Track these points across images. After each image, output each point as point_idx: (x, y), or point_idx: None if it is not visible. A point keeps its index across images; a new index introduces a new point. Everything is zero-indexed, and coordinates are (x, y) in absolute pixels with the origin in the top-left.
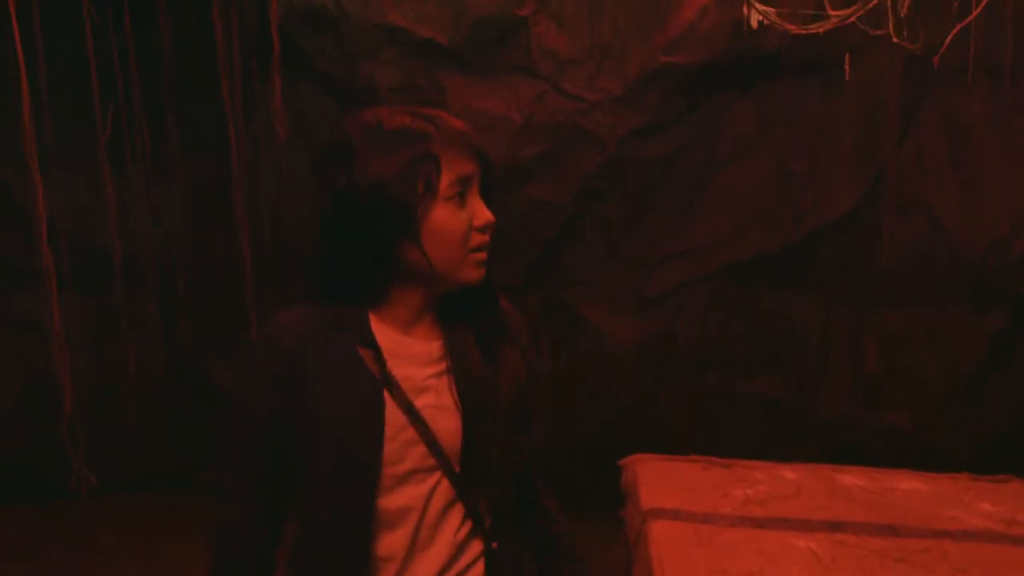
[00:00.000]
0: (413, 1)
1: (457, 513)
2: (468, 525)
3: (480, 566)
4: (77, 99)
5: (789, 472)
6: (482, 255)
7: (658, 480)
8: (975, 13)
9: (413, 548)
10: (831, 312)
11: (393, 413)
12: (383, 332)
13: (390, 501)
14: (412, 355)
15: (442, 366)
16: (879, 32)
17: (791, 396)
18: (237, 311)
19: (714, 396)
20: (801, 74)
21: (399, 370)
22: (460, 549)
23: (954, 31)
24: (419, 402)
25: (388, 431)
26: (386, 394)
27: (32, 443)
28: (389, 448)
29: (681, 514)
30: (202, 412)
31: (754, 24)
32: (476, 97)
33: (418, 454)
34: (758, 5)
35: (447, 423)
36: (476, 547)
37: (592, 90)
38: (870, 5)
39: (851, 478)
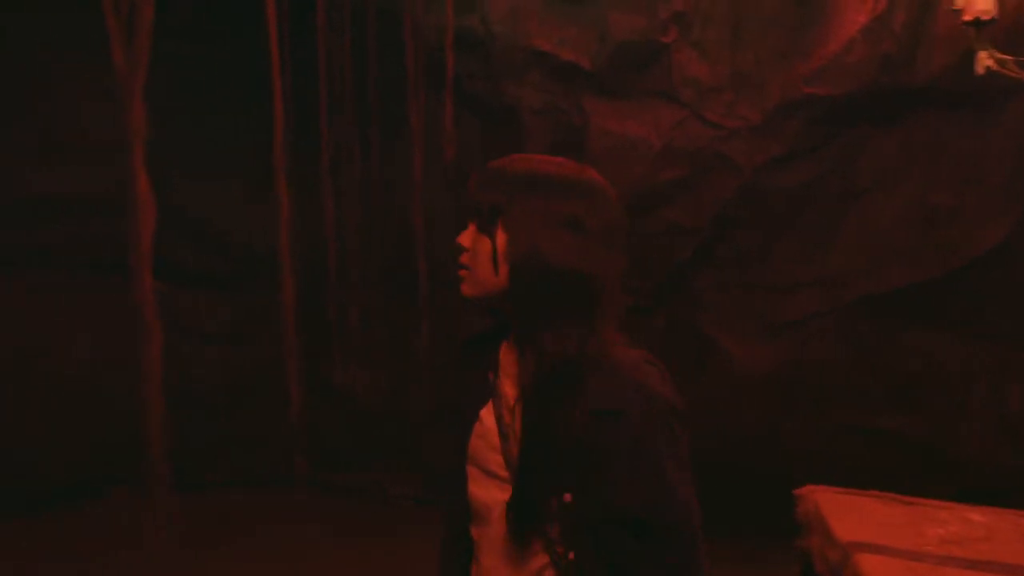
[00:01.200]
0: (558, 25)
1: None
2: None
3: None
4: (236, 111)
5: (975, 515)
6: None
7: (845, 513)
8: None
9: (481, 545)
10: (972, 349)
11: (488, 417)
12: (509, 350)
13: (475, 493)
14: (511, 375)
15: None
16: None
17: (923, 434)
18: (374, 318)
19: (840, 429)
20: (952, 107)
21: (504, 387)
22: (523, 557)
23: None
24: (506, 418)
25: (478, 429)
26: (491, 402)
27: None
28: (475, 444)
29: (884, 549)
30: (326, 415)
31: (980, 70)
32: (616, 120)
33: (495, 463)
34: (997, 53)
35: (514, 447)
36: (541, 559)
37: (731, 118)
38: None
39: None
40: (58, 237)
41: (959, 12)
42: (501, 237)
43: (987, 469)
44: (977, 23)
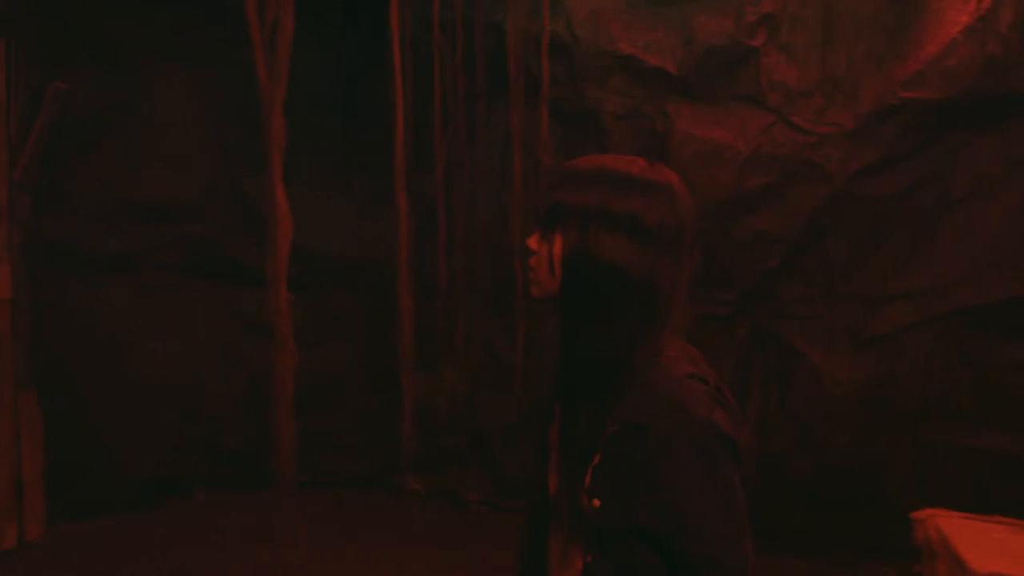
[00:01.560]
0: (643, 29)
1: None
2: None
3: None
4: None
5: None
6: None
7: (975, 541)
8: None
9: (548, 532)
10: None
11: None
12: None
13: (552, 483)
14: None
15: None
16: None
17: None
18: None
19: (934, 447)
20: None
21: None
22: (565, 555)
23: None
24: None
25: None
26: None
27: (254, 435)
28: (552, 434)
29: None
30: (398, 418)
31: None
32: (702, 126)
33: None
34: None
35: None
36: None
37: (822, 123)
38: None
39: None
40: (146, 241)
41: None
42: (558, 238)
43: None
44: None
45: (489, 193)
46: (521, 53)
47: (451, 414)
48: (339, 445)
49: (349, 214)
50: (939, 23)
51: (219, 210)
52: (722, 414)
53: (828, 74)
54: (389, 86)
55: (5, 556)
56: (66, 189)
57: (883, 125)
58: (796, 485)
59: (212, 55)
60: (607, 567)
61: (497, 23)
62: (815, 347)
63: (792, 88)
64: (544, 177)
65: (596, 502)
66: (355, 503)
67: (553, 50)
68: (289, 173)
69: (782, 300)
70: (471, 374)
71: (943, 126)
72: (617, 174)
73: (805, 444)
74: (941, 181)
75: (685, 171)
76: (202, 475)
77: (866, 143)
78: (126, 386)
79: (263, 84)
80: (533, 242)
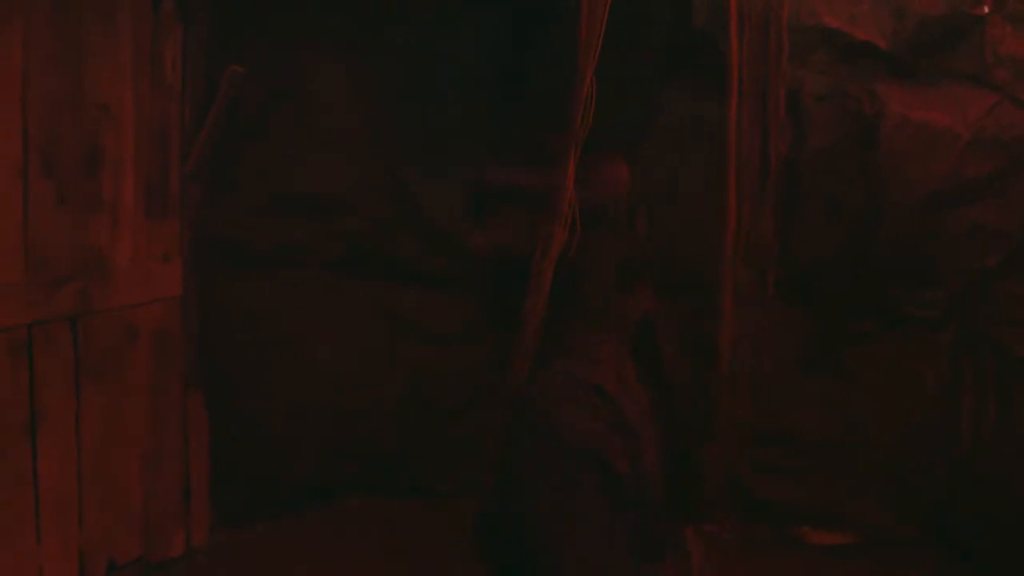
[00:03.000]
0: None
1: None
2: None
3: None
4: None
5: None
6: None
7: None
8: None
9: None
10: None
11: None
12: None
13: None
14: None
15: None
16: None
17: None
18: None
19: None
20: None
21: None
22: None
23: None
24: None
25: None
26: None
27: (407, 441)
28: None
29: None
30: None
31: None
32: (916, 108)
33: None
34: None
35: None
36: None
37: None
38: None
39: None
40: (304, 235)
41: None
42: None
43: None
44: None
45: (667, 187)
46: (735, 26)
47: None
48: (486, 452)
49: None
50: None
51: (374, 203)
52: (605, 426)
53: None
54: (554, 64)
55: (173, 564)
56: (229, 180)
57: None
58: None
59: (368, 37)
60: None
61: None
62: None
63: (1022, 63)
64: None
65: None
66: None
67: (743, 24)
68: (448, 157)
69: (1001, 302)
70: None
71: None
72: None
73: None
74: None
75: (898, 158)
76: (355, 481)
77: None
78: (281, 387)
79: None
80: None
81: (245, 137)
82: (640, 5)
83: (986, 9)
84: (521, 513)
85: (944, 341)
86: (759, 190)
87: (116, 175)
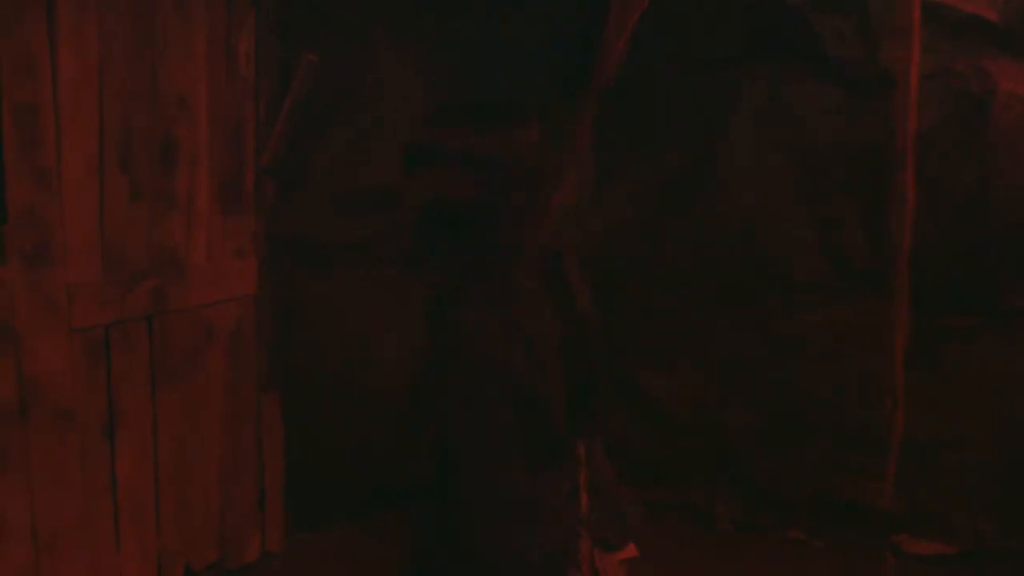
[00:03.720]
0: None
1: None
2: None
3: None
4: None
5: None
6: None
7: None
8: None
9: None
10: None
11: None
12: None
13: None
14: None
15: None
16: None
17: None
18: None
19: None
20: None
21: None
22: None
23: None
24: None
25: None
26: None
27: None
28: None
29: None
30: (631, 423)
31: None
32: None
33: None
34: None
35: None
36: None
37: None
38: None
39: None
40: (372, 229)
41: None
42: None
43: None
44: None
45: (749, 176)
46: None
47: (693, 417)
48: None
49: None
50: None
51: None
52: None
53: None
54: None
55: (249, 569)
56: (300, 173)
57: None
58: None
59: (429, 25)
60: None
61: None
62: None
63: None
64: None
65: None
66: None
67: (834, 2)
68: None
69: None
70: (717, 374)
71: None
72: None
73: None
74: None
75: (1009, 139)
76: (427, 484)
77: None
78: (349, 389)
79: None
80: None
81: (322, 127)
82: None
83: None
84: (443, 433)
85: None
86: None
87: (191, 170)
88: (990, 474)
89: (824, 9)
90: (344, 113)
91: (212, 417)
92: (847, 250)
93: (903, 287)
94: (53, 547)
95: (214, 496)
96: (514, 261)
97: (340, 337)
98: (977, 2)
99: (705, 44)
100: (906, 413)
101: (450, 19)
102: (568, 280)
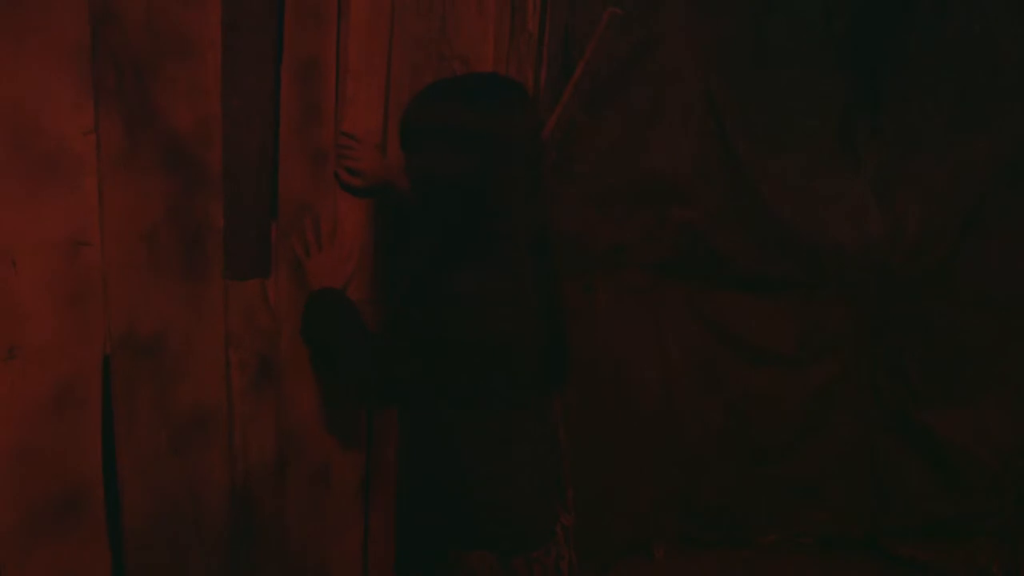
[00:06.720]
0: None
1: None
2: None
3: None
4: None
5: None
6: None
7: None
8: None
9: None
10: None
11: None
12: None
13: None
14: None
15: None
16: None
17: None
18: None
19: None
20: None
21: None
22: None
23: None
24: None
25: None
26: None
27: (728, 480)
28: None
29: None
30: (910, 469)
31: None
32: None
33: None
34: None
35: None
36: None
37: None
38: None
39: None
40: (635, 230)
41: None
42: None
43: None
44: None
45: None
46: None
47: (996, 468)
48: (819, 494)
49: (850, 192)
50: None
51: (705, 187)
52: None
53: None
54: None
55: None
56: (572, 159)
57: None
58: None
59: None
60: None
61: None
62: None
63: None
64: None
65: None
66: (835, 571)
67: None
68: (779, 137)
69: None
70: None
71: None
72: (446, 90)
73: None
74: None
75: None
76: (663, 527)
77: None
78: (602, 412)
79: None
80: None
81: (598, 108)
82: None
83: None
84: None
85: None
86: None
87: None
88: None
89: None
90: (620, 90)
91: None
92: None
93: None
94: None
95: None
96: (507, 236)
97: (600, 355)
98: None
99: None
100: None
101: None
102: (552, 258)
